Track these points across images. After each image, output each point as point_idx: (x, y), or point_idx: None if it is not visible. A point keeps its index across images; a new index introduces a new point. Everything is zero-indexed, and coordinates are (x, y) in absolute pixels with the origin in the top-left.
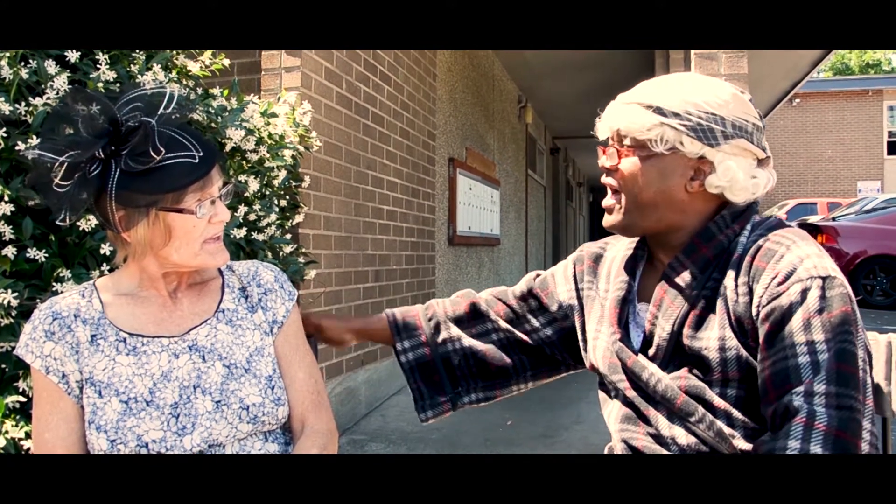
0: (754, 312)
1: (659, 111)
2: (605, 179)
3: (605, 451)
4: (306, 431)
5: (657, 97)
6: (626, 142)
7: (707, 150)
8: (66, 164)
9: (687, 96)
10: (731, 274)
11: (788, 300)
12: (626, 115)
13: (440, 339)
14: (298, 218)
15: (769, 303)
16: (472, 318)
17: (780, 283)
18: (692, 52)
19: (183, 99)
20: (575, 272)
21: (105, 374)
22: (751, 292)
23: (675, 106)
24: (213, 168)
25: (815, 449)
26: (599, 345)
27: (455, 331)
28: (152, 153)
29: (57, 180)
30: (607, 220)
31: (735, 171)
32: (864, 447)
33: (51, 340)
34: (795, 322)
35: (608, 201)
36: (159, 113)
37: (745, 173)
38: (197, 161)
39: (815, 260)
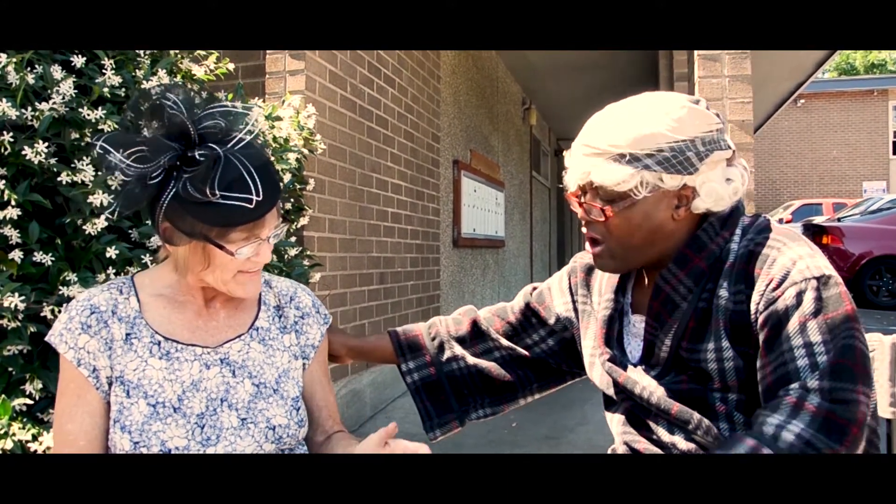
0: (752, 319)
1: (633, 159)
2: (588, 232)
3: (609, 453)
4: (341, 434)
5: (623, 142)
6: (602, 193)
7: (688, 178)
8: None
9: (651, 130)
10: (725, 283)
11: (784, 304)
12: (598, 169)
13: (444, 358)
14: (303, 221)
15: (766, 309)
16: (474, 337)
17: (774, 289)
18: (695, 52)
19: (256, 139)
20: (570, 284)
21: (135, 375)
22: (747, 300)
23: (646, 146)
24: (269, 212)
25: (799, 425)
26: (596, 362)
27: (459, 349)
28: (207, 192)
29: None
30: (599, 266)
31: (717, 189)
32: (859, 437)
33: (86, 333)
34: (792, 326)
35: (595, 249)
36: (229, 146)
37: (723, 183)
38: (252, 206)
39: (807, 261)
